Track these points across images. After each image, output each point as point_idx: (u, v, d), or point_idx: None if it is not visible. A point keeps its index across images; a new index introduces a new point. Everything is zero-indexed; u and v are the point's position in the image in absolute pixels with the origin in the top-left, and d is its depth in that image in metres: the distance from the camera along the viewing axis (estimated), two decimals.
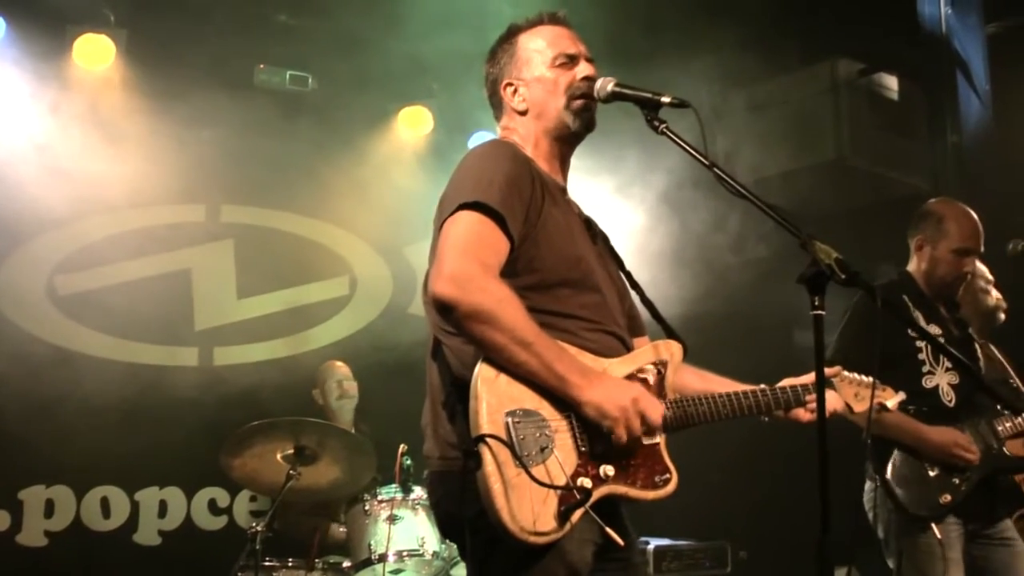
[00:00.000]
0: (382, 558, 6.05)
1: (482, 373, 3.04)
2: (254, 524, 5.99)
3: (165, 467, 7.67)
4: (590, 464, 3.10)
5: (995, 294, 6.05)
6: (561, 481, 3.02)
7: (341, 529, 6.59)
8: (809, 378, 3.63)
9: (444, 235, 3.13)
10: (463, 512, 3.09)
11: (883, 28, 8.84)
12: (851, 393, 3.78)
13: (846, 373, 3.79)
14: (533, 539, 2.96)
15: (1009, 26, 9.01)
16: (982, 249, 5.29)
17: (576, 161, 3.66)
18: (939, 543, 4.75)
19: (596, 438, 3.11)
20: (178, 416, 7.46)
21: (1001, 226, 5.89)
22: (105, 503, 7.61)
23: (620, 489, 3.15)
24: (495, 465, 2.95)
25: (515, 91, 3.59)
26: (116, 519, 7.65)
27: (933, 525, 4.79)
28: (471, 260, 3.04)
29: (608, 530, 3.14)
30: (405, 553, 6.12)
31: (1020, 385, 5.34)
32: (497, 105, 3.69)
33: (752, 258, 7.99)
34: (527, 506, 2.95)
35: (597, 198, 7.75)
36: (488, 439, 2.96)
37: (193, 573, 7.12)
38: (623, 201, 8.19)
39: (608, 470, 3.12)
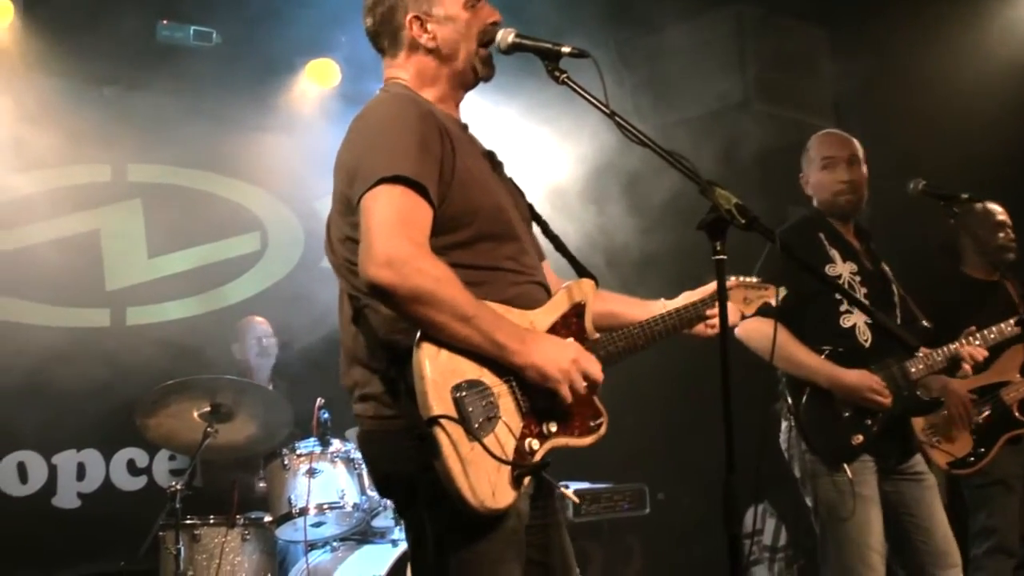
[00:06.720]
0: (303, 512, 6.09)
1: (425, 351, 3.00)
2: (174, 483, 6.00)
3: (82, 429, 7.60)
4: (533, 423, 3.13)
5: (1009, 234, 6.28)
6: (511, 445, 3.05)
7: (261, 484, 6.60)
8: (705, 290, 3.71)
9: (368, 213, 3.03)
10: (406, 470, 3.10)
11: None
12: (740, 298, 3.84)
13: (736, 279, 3.86)
14: (494, 512, 3.00)
15: None
16: (854, 153, 5.34)
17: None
18: (850, 482, 4.85)
19: (537, 396, 3.13)
20: (93, 378, 7.33)
21: (903, 166, 5.99)
22: (22, 468, 7.55)
23: (563, 441, 3.19)
24: (451, 446, 2.93)
25: (423, 26, 3.39)
26: (34, 483, 7.59)
27: (845, 465, 4.88)
28: (403, 240, 2.97)
29: (562, 490, 3.25)
30: (325, 506, 6.16)
31: (930, 325, 5.39)
32: (390, 35, 3.46)
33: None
34: (484, 478, 2.96)
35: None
36: (441, 420, 2.94)
37: (114, 534, 7.06)
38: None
39: (551, 426, 3.16)
